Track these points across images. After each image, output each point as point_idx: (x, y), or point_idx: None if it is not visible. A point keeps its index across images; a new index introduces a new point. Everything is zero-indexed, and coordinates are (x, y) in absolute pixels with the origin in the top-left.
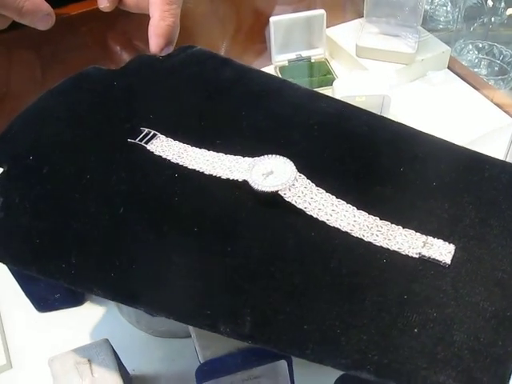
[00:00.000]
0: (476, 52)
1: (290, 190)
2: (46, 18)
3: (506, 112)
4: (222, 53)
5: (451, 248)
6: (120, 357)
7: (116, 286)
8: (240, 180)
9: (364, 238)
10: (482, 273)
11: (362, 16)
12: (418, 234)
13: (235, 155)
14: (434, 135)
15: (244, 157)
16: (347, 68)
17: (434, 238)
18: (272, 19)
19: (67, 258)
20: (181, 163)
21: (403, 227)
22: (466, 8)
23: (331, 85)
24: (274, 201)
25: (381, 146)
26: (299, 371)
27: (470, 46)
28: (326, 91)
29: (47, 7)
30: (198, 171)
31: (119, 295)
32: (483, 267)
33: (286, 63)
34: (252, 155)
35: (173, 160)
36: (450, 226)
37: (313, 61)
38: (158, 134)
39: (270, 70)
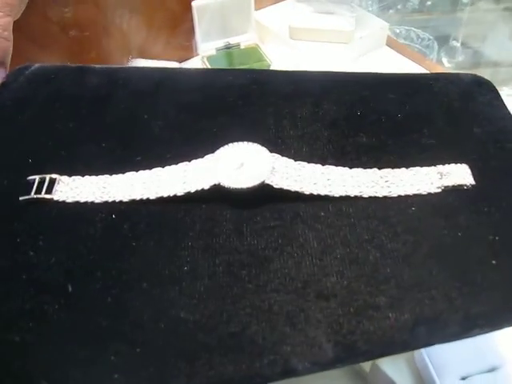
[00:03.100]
0: (394, 37)
1: (274, 175)
2: None
3: None
4: (136, 51)
5: (466, 168)
6: None
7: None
8: (207, 187)
9: (378, 195)
10: (500, 178)
11: None
12: (425, 168)
13: (176, 164)
14: (359, 71)
15: (190, 161)
16: (281, 52)
17: (442, 165)
18: (194, 4)
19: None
20: (110, 199)
21: (406, 168)
22: None
23: None
24: (255, 196)
25: (319, 99)
26: None
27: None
28: None
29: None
30: (141, 199)
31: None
32: (495, 174)
33: (213, 52)
34: (193, 158)
35: (97, 200)
36: (443, 149)
37: (243, 47)
38: (57, 177)
39: (196, 61)
